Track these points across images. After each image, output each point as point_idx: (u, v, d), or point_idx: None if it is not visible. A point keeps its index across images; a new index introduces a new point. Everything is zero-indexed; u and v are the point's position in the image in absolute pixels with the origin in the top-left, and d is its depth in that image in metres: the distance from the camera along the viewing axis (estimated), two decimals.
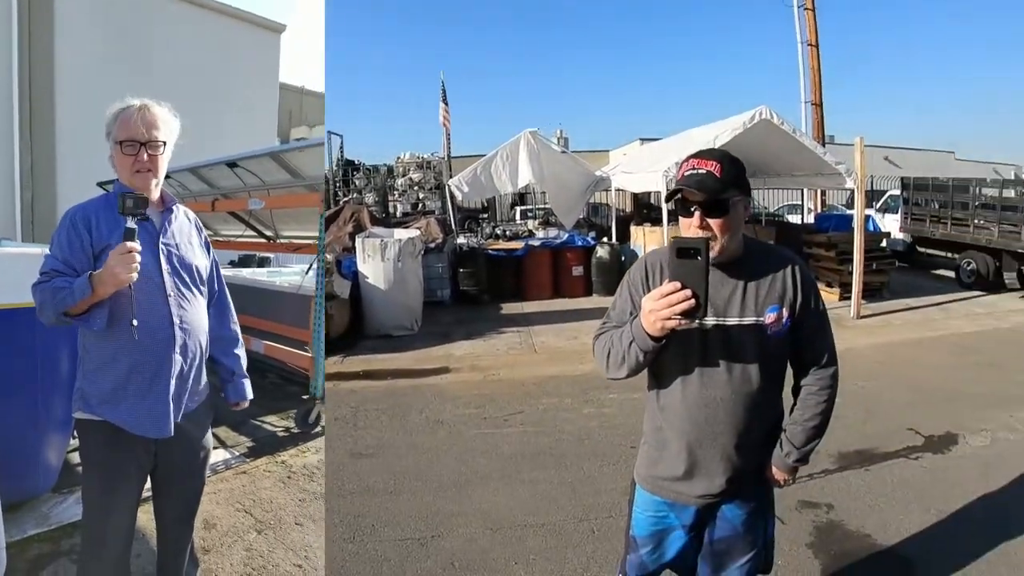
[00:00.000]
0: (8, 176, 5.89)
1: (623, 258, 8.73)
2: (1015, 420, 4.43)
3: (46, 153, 6.22)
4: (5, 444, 2.39)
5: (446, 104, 13.18)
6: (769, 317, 1.38)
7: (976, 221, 10.08)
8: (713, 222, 1.31)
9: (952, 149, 28.23)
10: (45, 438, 2.68)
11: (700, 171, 1.31)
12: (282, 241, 5.53)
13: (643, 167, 9.39)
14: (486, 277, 8.53)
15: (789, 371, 1.58)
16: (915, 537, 2.96)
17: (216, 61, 7.94)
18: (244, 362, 2.00)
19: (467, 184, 9.16)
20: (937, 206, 11.07)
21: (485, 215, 16.52)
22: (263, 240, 5.75)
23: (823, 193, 14.93)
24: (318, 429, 4.03)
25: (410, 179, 17.16)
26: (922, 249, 11.78)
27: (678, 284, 1.17)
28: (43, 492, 2.78)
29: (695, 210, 1.32)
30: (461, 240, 9.53)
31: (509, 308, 8.28)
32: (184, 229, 1.76)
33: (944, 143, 42.50)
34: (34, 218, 6.04)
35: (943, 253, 11.14)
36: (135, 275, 1.48)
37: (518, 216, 16.30)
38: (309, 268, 4.24)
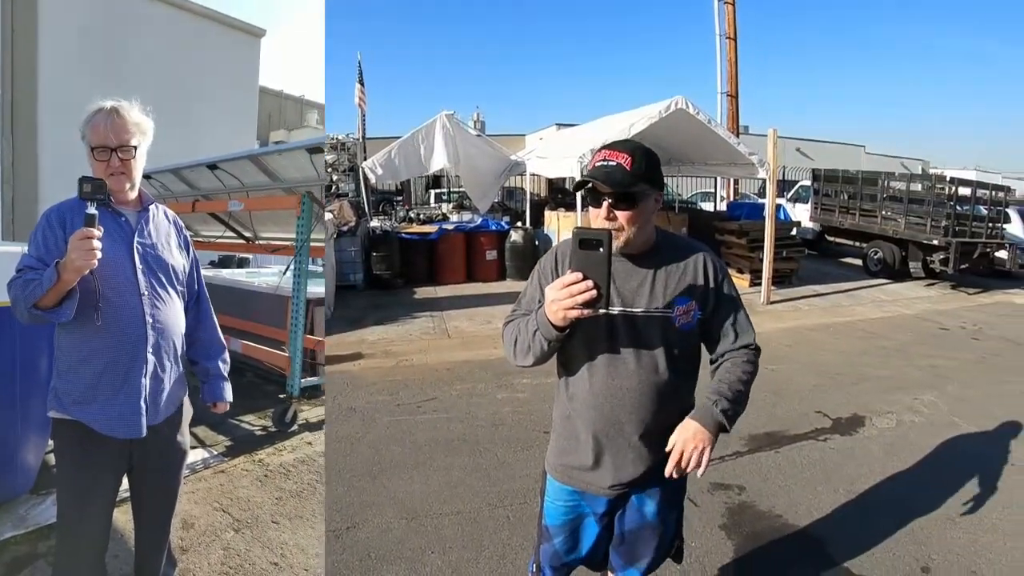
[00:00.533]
0: None
1: (537, 243, 11.39)
2: (919, 403, 5.86)
3: (27, 152, 8.12)
4: None
5: (362, 85, 16.60)
6: (678, 309, 1.79)
7: (884, 213, 13.49)
8: (621, 214, 1.70)
9: (863, 143, 37.62)
10: (23, 439, 3.41)
11: (611, 163, 1.69)
12: (260, 242, 7.24)
13: (558, 153, 11.76)
14: (399, 261, 10.85)
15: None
16: (825, 517, 3.81)
17: (197, 64, 10.26)
18: (226, 366, 2.54)
19: (381, 166, 11.48)
20: (846, 197, 14.59)
21: (399, 198, 20.87)
22: (242, 241, 7.45)
23: (736, 182, 19.11)
24: (295, 428, 5.15)
25: (324, 160, 17.81)
26: (831, 238, 15.46)
27: (580, 275, 1.51)
28: (21, 494, 3.52)
29: (604, 201, 1.70)
30: (374, 223, 12.04)
31: (423, 292, 10.52)
32: (162, 229, 2.25)
33: (855, 138, 55.84)
34: (14, 217, 8.06)
35: (851, 242, 14.73)
36: (95, 261, 1.88)
37: (432, 199, 20.80)
38: (286, 269, 5.47)
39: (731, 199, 19.14)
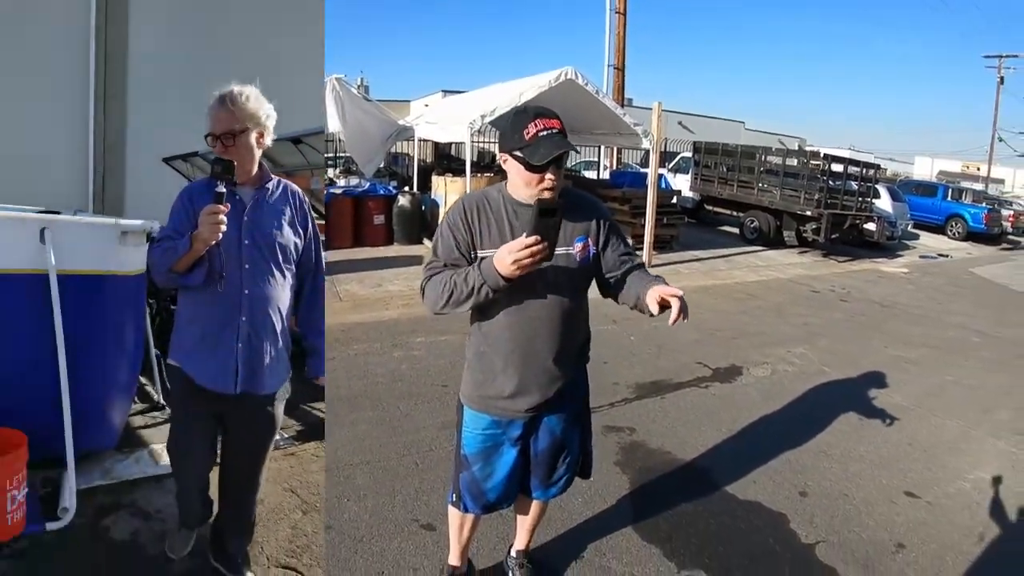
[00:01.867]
0: (83, 152, 8.89)
1: (424, 207, 11.74)
2: (792, 355, 6.58)
3: (118, 130, 9.07)
4: (74, 401, 3.34)
5: None
6: (577, 247, 2.15)
7: (760, 185, 15.17)
8: (559, 173, 2.06)
9: (743, 119, 41.06)
10: (110, 400, 3.85)
11: (554, 131, 2.00)
12: None
13: (448, 118, 12.22)
14: None
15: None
16: (709, 452, 4.27)
17: (272, 36, 10.24)
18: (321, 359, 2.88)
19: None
20: (725, 169, 16.29)
21: None
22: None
23: (619, 151, 20.73)
24: None
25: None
26: (709, 207, 17.12)
27: (538, 238, 1.86)
28: (107, 449, 3.97)
29: (546, 168, 2.02)
30: None
31: None
32: (277, 207, 2.58)
33: (736, 114, 60.74)
34: (104, 193, 8.96)
35: (729, 212, 16.39)
36: (219, 234, 2.29)
37: None
38: None
39: (614, 168, 20.18)
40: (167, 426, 3.88)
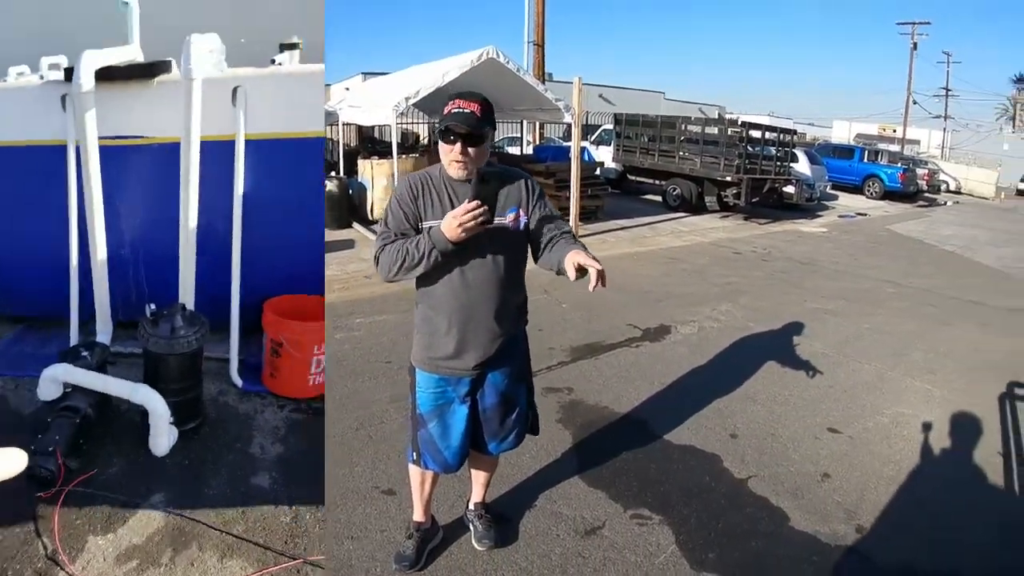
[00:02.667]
0: None
1: (351, 191, 11.89)
2: (717, 312, 7.04)
3: None
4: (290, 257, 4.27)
5: None
6: (509, 217, 2.44)
7: (681, 153, 15.96)
8: (472, 149, 2.32)
9: (662, 90, 42.09)
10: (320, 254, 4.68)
11: (465, 111, 2.26)
12: None
13: (372, 101, 12.26)
14: None
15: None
16: (644, 405, 4.61)
17: None
18: None
19: None
20: (647, 140, 17.11)
21: None
22: None
23: (541, 126, 21.37)
24: None
25: None
26: (632, 177, 17.86)
27: (479, 203, 2.16)
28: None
29: (456, 140, 2.29)
30: None
31: None
32: None
33: (656, 85, 62.28)
34: None
35: (651, 181, 17.12)
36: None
37: None
38: None
39: (537, 143, 20.65)
40: None
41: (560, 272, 2.36)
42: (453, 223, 2.20)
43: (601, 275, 2.22)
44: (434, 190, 2.42)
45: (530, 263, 2.62)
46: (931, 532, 3.40)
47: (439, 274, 2.44)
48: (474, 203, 2.18)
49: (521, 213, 2.49)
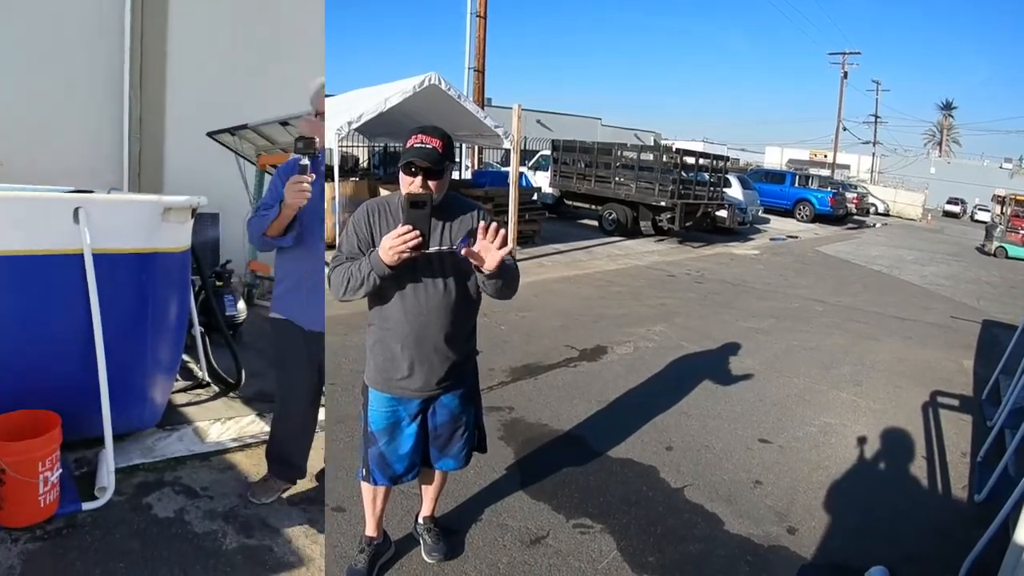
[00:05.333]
0: (118, 128, 9.29)
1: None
2: (652, 333, 7.34)
3: (155, 105, 9.59)
4: (115, 381, 3.63)
5: None
6: (463, 246, 2.52)
7: (617, 179, 16.58)
8: (432, 183, 2.49)
9: (599, 116, 43.18)
10: (152, 378, 4.12)
11: (428, 146, 2.44)
12: None
13: None
14: None
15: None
16: (582, 422, 4.80)
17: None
18: None
19: None
20: (583, 165, 17.71)
21: None
22: None
23: (480, 151, 21.46)
24: None
25: None
26: (569, 202, 18.34)
27: (410, 227, 2.29)
28: (149, 427, 4.25)
29: (418, 173, 2.45)
30: None
31: None
32: None
33: (593, 111, 64.20)
34: (141, 169, 9.48)
35: (588, 206, 17.64)
36: (304, 200, 2.96)
37: None
38: None
39: (476, 168, 21.00)
40: (214, 404, 4.90)
41: (484, 282, 2.58)
42: (386, 246, 2.34)
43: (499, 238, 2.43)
44: (390, 216, 2.57)
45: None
46: (859, 530, 3.70)
47: (391, 294, 2.60)
48: (405, 228, 2.31)
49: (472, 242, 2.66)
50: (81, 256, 3.58)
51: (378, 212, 2.60)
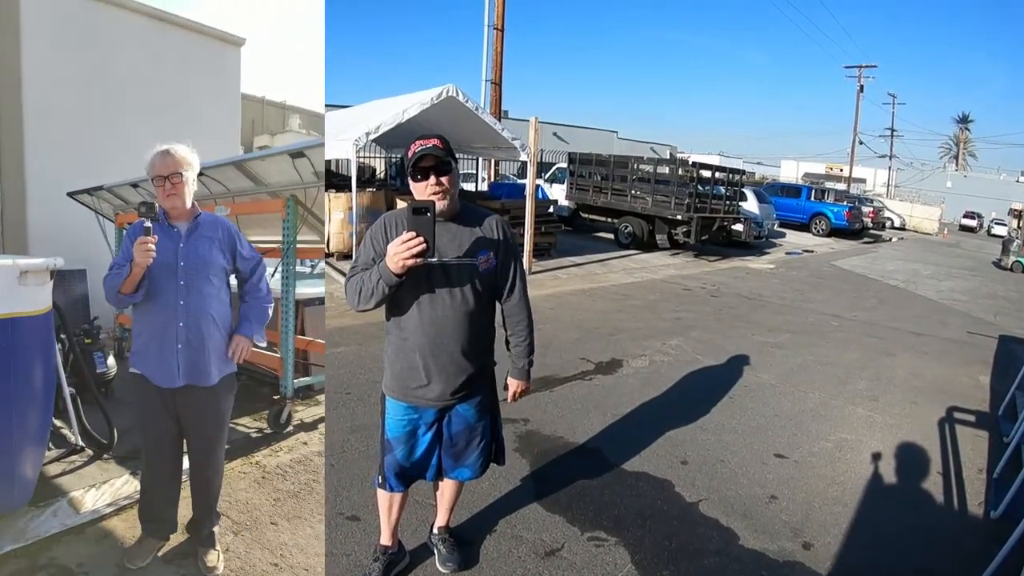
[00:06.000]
0: None
1: None
2: (667, 347, 7.34)
3: (15, 165, 9.79)
4: None
5: None
6: (480, 258, 2.67)
7: (633, 192, 16.60)
8: (444, 179, 2.55)
9: (615, 129, 43.79)
10: (21, 452, 3.77)
11: (427, 146, 2.52)
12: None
13: (331, 135, 12.41)
14: None
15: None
16: (598, 435, 4.82)
17: (179, 75, 11.87)
18: (261, 327, 3.63)
19: None
20: (599, 178, 17.72)
21: None
22: None
23: (496, 163, 21.60)
24: (290, 428, 5.66)
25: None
26: (585, 215, 18.40)
27: (413, 233, 2.32)
28: (19, 506, 3.87)
29: (428, 174, 2.52)
30: None
31: None
32: (207, 234, 3.35)
33: (610, 124, 64.70)
34: (3, 230, 9.68)
35: (603, 219, 17.70)
36: (150, 259, 3.04)
37: None
38: (275, 271, 5.83)
39: (492, 180, 21.10)
40: (88, 469, 4.62)
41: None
42: (391, 253, 2.38)
43: (515, 395, 2.96)
44: (404, 228, 2.54)
45: None
46: (875, 546, 3.68)
47: (408, 305, 2.64)
48: (409, 235, 2.34)
49: (491, 256, 2.71)
50: None
51: (395, 224, 2.63)
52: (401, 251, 2.33)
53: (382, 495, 2.99)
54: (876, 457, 4.82)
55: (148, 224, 3.09)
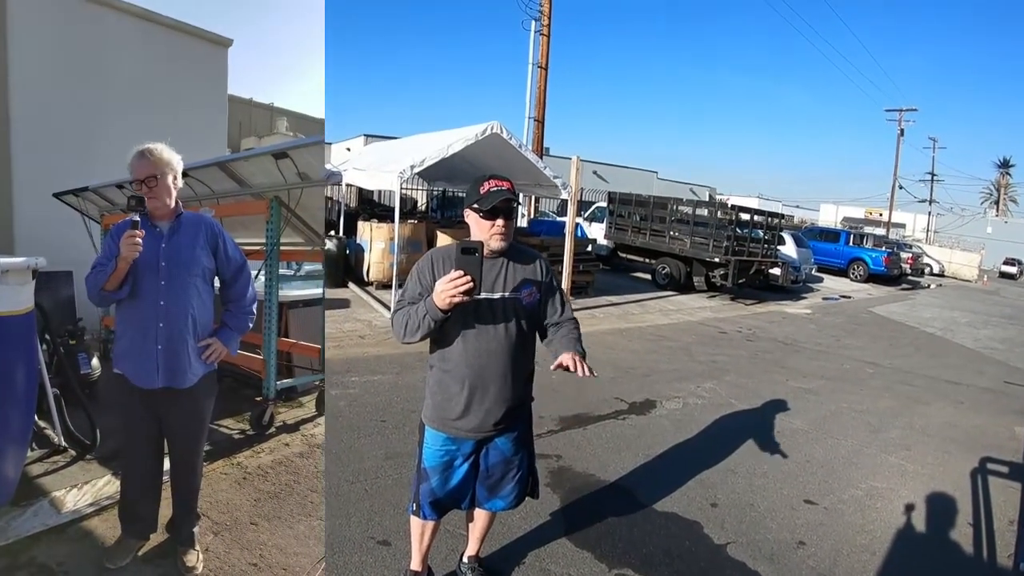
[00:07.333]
0: None
1: (348, 251, 12.43)
2: (701, 389, 7.35)
3: (2, 165, 9.78)
4: None
5: None
6: (524, 293, 2.75)
7: (672, 233, 16.62)
8: (508, 223, 2.68)
9: (655, 169, 43.41)
10: (2, 452, 3.75)
11: (503, 188, 2.63)
12: None
13: (376, 166, 12.83)
14: None
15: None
16: (629, 474, 4.85)
17: (166, 75, 11.97)
18: (237, 333, 3.61)
19: None
20: (638, 218, 17.79)
21: None
22: None
23: (536, 200, 22.00)
24: (272, 430, 5.72)
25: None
26: (623, 255, 18.52)
27: (461, 272, 2.40)
28: (1, 506, 3.86)
29: (499, 216, 2.63)
30: None
31: None
32: (189, 233, 3.35)
33: (650, 164, 65.36)
34: None
35: (641, 259, 17.79)
36: (137, 253, 3.06)
37: None
38: (258, 273, 5.77)
39: (532, 216, 21.33)
40: (71, 469, 4.66)
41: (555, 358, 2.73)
42: (438, 290, 2.44)
43: (582, 367, 2.63)
44: (453, 265, 2.59)
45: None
46: None
47: (453, 337, 2.71)
48: (457, 273, 2.40)
49: (535, 291, 2.79)
50: None
51: (443, 261, 2.70)
52: (448, 289, 2.39)
53: (415, 522, 3.06)
54: (907, 506, 4.77)
55: (136, 218, 3.09)
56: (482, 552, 3.42)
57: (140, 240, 3.06)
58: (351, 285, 12.08)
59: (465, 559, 3.37)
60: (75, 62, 10.66)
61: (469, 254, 2.41)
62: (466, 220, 2.75)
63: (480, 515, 3.21)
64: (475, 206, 2.66)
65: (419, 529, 3.08)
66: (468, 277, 2.39)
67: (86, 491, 4.26)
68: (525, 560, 3.61)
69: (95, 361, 6.46)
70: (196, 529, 3.61)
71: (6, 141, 9.95)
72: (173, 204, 3.33)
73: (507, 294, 2.72)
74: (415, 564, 3.17)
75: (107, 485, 4.33)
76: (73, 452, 4.84)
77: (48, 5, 10.44)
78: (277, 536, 3.90)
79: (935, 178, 51.12)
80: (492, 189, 2.63)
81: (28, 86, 10.11)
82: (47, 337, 5.09)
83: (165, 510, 3.64)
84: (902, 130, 43.44)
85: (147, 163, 3.21)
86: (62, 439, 4.87)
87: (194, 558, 3.47)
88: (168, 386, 3.28)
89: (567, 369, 2.62)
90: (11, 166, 9.95)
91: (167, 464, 3.56)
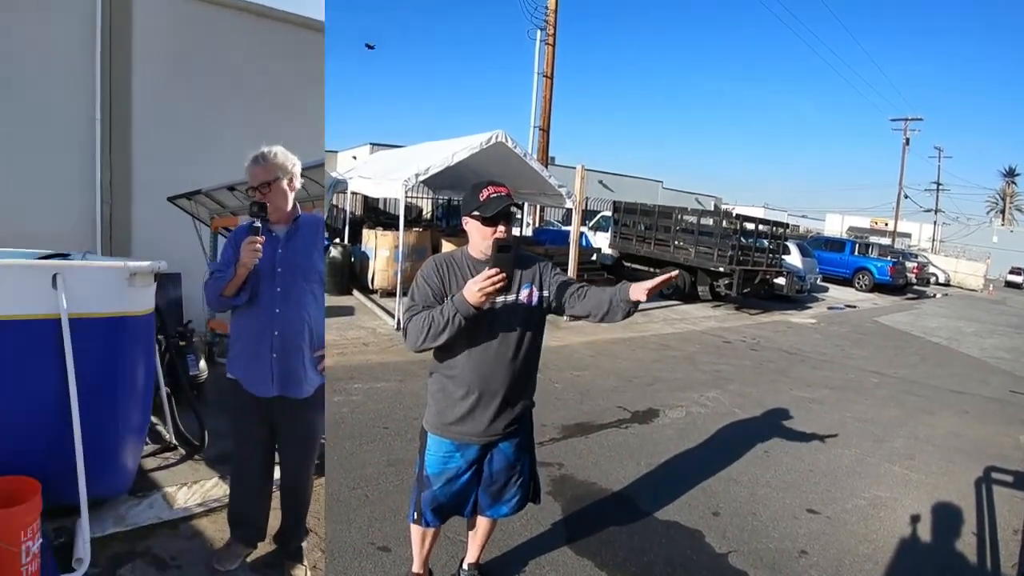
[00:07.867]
0: (91, 192, 9.95)
1: (353, 259, 12.44)
2: (704, 398, 7.30)
3: (123, 169, 10.19)
4: (86, 446, 3.54)
5: None
6: (523, 293, 2.74)
7: (676, 242, 16.52)
8: (509, 229, 2.66)
9: (661, 179, 43.19)
10: (122, 443, 4.02)
11: (502, 194, 2.63)
12: None
13: (382, 174, 12.87)
14: None
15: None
16: (631, 483, 4.81)
17: (272, 66, 11.87)
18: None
19: None
20: (643, 228, 17.67)
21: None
22: None
23: (541, 209, 22.02)
24: None
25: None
26: (628, 264, 18.21)
27: (498, 269, 2.41)
28: (121, 493, 4.15)
29: (500, 221, 2.62)
30: None
31: None
32: (307, 236, 3.36)
33: (655, 173, 65.22)
34: (112, 233, 9.95)
35: (646, 268, 17.41)
36: (257, 259, 3.07)
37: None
38: None
39: (536, 225, 21.25)
40: (181, 467, 4.82)
41: (612, 311, 2.67)
42: (474, 288, 2.42)
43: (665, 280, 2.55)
44: (458, 270, 2.69)
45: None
46: None
47: (459, 346, 2.68)
48: (494, 270, 2.41)
49: (534, 289, 2.76)
50: (55, 321, 3.55)
51: (446, 266, 2.71)
52: (485, 285, 2.39)
53: (416, 529, 3.04)
54: (911, 516, 4.72)
55: (257, 224, 3.10)
56: (482, 559, 3.40)
57: (260, 246, 3.07)
58: (356, 292, 12.10)
59: (465, 566, 3.36)
60: (193, 69, 10.90)
61: (506, 251, 2.45)
62: (465, 227, 2.74)
63: (482, 522, 3.19)
64: (475, 213, 2.65)
65: (420, 536, 3.07)
66: (504, 274, 2.41)
67: (195, 491, 4.42)
68: (525, 568, 3.59)
69: (202, 363, 6.60)
70: (304, 544, 3.63)
71: (127, 146, 10.24)
72: (289, 207, 3.33)
73: (510, 299, 2.72)
74: (416, 567, 3.16)
75: (215, 488, 4.47)
76: (182, 451, 5.02)
77: (170, 10, 10.73)
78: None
79: (940, 187, 50.95)
80: (492, 196, 2.62)
81: (148, 96, 10.42)
82: (159, 337, 5.21)
83: (275, 521, 3.72)
84: (907, 139, 43.26)
85: (261, 169, 3.22)
86: (172, 437, 5.09)
87: (301, 573, 3.49)
88: (283, 395, 3.27)
89: (647, 296, 2.57)
90: (131, 169, 10.25)
91: (277, 473, 3.62)
